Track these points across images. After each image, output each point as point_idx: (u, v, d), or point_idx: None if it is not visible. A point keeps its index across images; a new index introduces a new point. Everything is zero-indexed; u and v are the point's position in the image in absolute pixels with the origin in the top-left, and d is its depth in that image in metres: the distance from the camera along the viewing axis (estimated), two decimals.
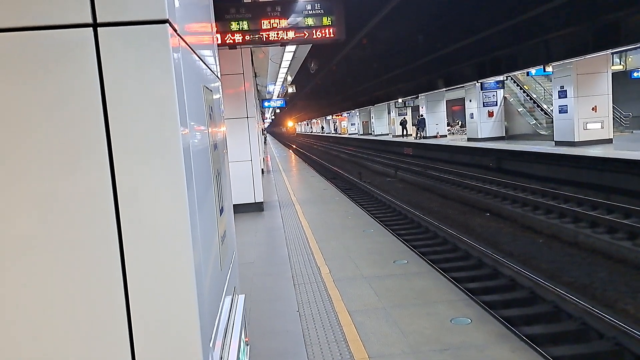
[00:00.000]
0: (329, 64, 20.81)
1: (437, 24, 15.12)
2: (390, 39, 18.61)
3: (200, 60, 1.45)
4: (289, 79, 17.87)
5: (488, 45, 14.83)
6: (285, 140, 60.81)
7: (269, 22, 5.75)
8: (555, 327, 4.64)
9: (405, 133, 28.70)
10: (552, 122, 16.49)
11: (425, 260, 5.87)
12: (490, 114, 20.55)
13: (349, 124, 47.95)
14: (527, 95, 21.38)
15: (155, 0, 0.99)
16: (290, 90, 20.37)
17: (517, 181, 12.38)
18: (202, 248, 1.15)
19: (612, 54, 15.65)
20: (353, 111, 42.49)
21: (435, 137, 25.41)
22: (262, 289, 4.70)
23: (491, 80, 19.62)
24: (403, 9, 12.53)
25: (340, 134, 51.08)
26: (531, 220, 8.95)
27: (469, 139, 21.15)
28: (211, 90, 1.59)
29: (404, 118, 29.59)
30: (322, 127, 66.03)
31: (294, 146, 43.40)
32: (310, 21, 5.82)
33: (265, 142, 31.39)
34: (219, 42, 5.67)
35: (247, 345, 1.98)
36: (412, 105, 29.16)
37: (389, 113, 33.31)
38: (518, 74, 20.05)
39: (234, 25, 5.70)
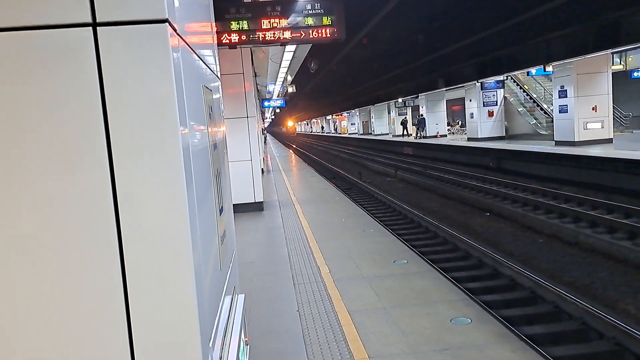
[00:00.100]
0: (329, 63, 20.80)
1: (437, 23, 15.12)
2: (391, 39, 18.60)
3: (200, 60, 1.45)
4: (289, 78, 17.86)
5: (488, 44, 14.82)
6: (285, 140, 60.80)
7: (269, 22, 5.74)
8: (556, 327, 4.64)
9: (406, 133, 28.69)
10: (552, 121, 16.49)
11: (425, 260, 5.87)
12: (491, 114, 20.55)
13: (349, 124, 47.95)
14: (527, 95, 21.37)
15: None
16: (290, 90, 20.36)
17: (517, 181, 12.38)
18: (201, 248, 1.15)
19: (612, 53, 15.64)
20: (353, 111, 42.49)
21: (436, 136, 25.41)
22: (262, 289, 4.70)
23: (491, 80, 19.62)
24: (403, 9, 12.52)
25: (340, 133, 51.07)
26: (531, 220, 8.95)
27: (469, 139, 21.14)
28: (211, 90, 1.59)
29: (405, 118, 29.58)
30: (322, 127, 66.02)
31: (294, 146, 43.40)
32: (310, 21, 5.82)
33: (265, 142, 31.39)
34: (219, 41, 5.67)
35: (247, 344, 1.98)
36: (412, 105, 29.16)
37: (389, 113, 33.31)
38: (518, 73, 20.04)
39: (234, 25, 5.70)
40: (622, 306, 5.21)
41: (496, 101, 20.51)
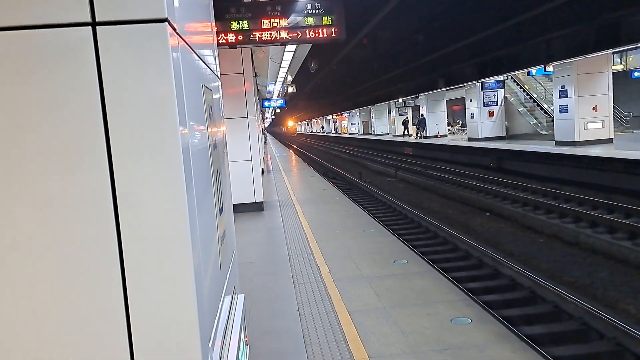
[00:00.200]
0: (329, 63, 20.79)
1: (438, 23, 15.11)
2: (391, 39, 18.60)
3: (200, 60, 1.45)
4: (289, 78, 17.86)
5: (488, 44, 14.82)
6: (285, 140, 60.80)
7: (269, 22, 5.74)
8: (556, 327, 4.64)
9: (407, 133, 28.67)
10: (553, 121, 16.48)
11: (426, 260, 5.86)
12: (491, 114, 20.54)
13: (349, 124, 47.94)
14: (528, 95, 21.36)
15: None
16: (290, 89, 20.35)
17: (517, 181, 12.37)
18: (201, 248, 1.15)
19: (613, 53, 15.63)
20: (353, 111, 42.49)
21: (436, 136, 25.40)
22: (262, 289, 4.70)
23: (492, 80, 19.61)
24: (403, 9, 12.52)
25: (340, 133, 51.07)
26: (532, 220, 8.95)
27: (470, 139, 21.14)
28: (211, 90, 1.58)
29: (407, 118, 29.56)
30: (322, 127, 66.02)
31: (295, 146, 43.40)
32: (310, 21, 5.82)
33: (265, 142, 31.39)
34: (219, 41, 5.67)
35: (247, 344, 1.98)
36: (413, 105, 29.15)
37: (389, 113, 33.30)
38: (519, 73, 20.03)
39: (234, 25, 5.70)
40: (622, 306, 5.20)
41: (496, 101, 20.51)
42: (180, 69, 1.07)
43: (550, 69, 15.30)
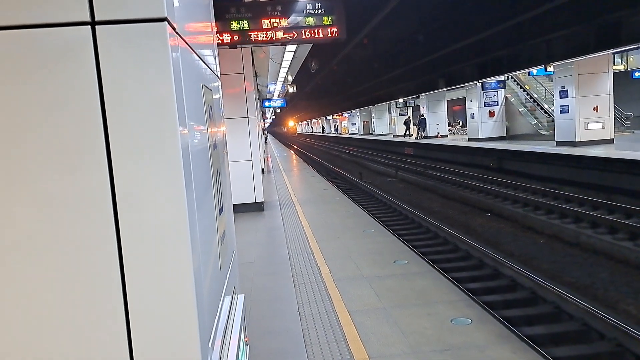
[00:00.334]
0: (330, 63, 20.79)
1: (438, 23, 15.10)
2: (391, 39, 18.60)
3: (200, 60, 1.44)
4: (290, 78, 17.86)
5: (489, 45, 14.82)
6: (286, 140, 60.79)
7: (270, 22, 5.74)
8: (557, 328, 4.63)
9: (409, 133, 28.67)
10: (553, 122, 16.47)
11: (426, 261, 5.86)
12: (491, 114, 20.54)
13: (349, 124, 47.94)
14: (529, 95, 21.36)
15: None
16: (290, 90, 20.36)
17: (518, 181, 12.37)
18: (201, 248, 1.15)
19: (614, 54, 15.62)
20: (354, 111, 42.48)
21: (436, 137, 25.39)
22: (262, 289, 4.70)
23: (492, 80, 19.61)
24: (404, 9, 12.51)
25: (340, 133, 51.07)
26: (532, 221, 8.94)
27: (470, 139, 21.13)
28: (211, 90, 1.58)
29: (408, 117, 29.55)
30: (323, 127, 66.02)
31: (295, 146, 43.40)
32: (310, 21, 5.82)
33: (265, 142, 31.40)
34: (219, 41, 5.67)
35: (247, 345, 1.97)
36: (413, 105, 29.15)
37: (389, 113, 33.31)
38: (519, 73, 20.03)
39: (234, 25, 5.70)
40: (623, 307, 5.20)
41: (497, 101, 20.50)
42: (179, 69, 1.07)
43: (550, 69, 15.29)
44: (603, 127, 14.52)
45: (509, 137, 20.31)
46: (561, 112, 15.07)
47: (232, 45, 5.86)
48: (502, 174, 14.76)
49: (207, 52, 1.65)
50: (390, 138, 30.69)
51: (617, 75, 17.00)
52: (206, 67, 1.57)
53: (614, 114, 15.49)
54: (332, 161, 25.18)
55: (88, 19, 0.97)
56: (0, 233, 0.99)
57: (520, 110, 20.44)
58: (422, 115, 26.18)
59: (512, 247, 7.65)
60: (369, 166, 21.70)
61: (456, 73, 19.44)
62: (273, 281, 4.92)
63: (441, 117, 26.20)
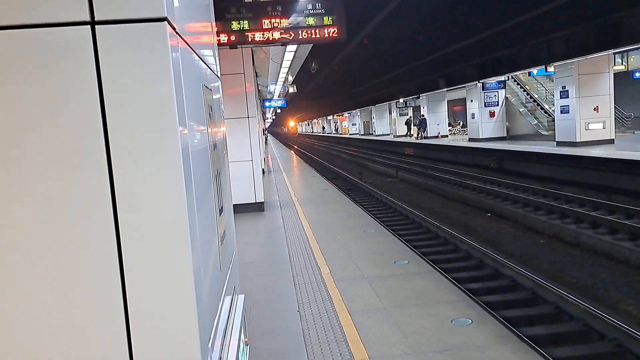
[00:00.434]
0: (330, 63, 20.80)
1: (439, 23, 15.10)
2: (392, 39, 18.60)
3: (200, 60, 1.44)
4: (290, 78, 17.87)
5: (489, 45, 14.81)
6: (286, 140, 60.79)
7: (270, 22, 5.74)
8: (557, 328, 4.63)
9: (410, 133, 28.65)
10: (554, 122, 16.47)
11: (426, 261, 5.86)
12: (492, 114, 20.53)
13: (350, 124, 47.94)
14: (529, 95, 21.36)
15: None
16: (291, 90, 20.36)
17: (518, 182, 12.36)
18: (201, 248, 1.14)
19: (614, 54, 15.62)
20: (354, 111, 42.47)
21: (437, 137, 25.39)
22: (262, 289, 4.70)
23: (493, 81, 19.60)
24: (404, 9, 12.52)
25: (341, 134, 51.07)
26: (533, 221, 8.93)
27: (470, 139, 21.13)
28: (211, 90, 1.58)
29: (410, 117, 29.53)
30: (323, 127, 66.01)
31: (295, 146, 43.40)
32: (311, 21, 5.82)
33: (266, 142, 31.40)
34: (220, 41, 5.67)
35: (247, 345, 1.97)
36: (414, 105, 29.14)
37: (390, 113, 33.32)
38: (520, 74, 20.02)
39: (235, 25, 5.70)
40: (623, 307, 5.19)
41: (497, 101, 20.50)
42: (179, 69, 1.07)
43: (551, 69, 15.29)
44: (603, 128, 14.51)
45: (510, 137, 20.31)
46: (561, 112, 15.07)
47: (233, 45, 5.86)
48: (502, 174, 14.76)
49: (207, 52, 1.65)
50: (390, 138, 30.68)
51: (617, 75, 16.99)
52: (206, 67, 1.57)
53: (615, 115, 15.48)
54: (333, 161, 25.18)
55: (88, 18, 0.97)
56: (0, 233, 0.99)
57: (520, 110, 20.43)
58: (423, 116, 26.17)
59: (512, 248, 7.64)
60: (369, 166, 21.70)
61: (456, 73, 19.44)
62: (273, 281, 4.92)
63: (441, 117, 26.19)
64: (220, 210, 1.59)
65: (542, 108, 20.70)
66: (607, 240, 7.17)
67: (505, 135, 20.49)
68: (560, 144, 14.96)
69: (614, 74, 14.89)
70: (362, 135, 40.45)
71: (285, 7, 5.82)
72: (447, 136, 26.08)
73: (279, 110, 47.39)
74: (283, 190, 11.79)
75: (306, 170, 17.54)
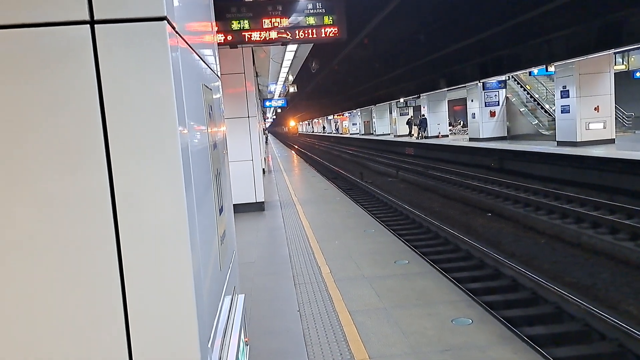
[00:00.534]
0: (331, 63, 20.80)
1: (439, 23, 15.10)
2: (392, 39, 18.60)
3: (200, 59, 1.44)
4: (291, 78, 17.86)
5: (490, 45, 14.80)
6: (287, 140, 60.79)
7: (270, 21, 5.74)
8: (558, 328, 4.62)
9: (412, 133, 28.63)
10: (555, 122, 16.45)
11: (427, 261, 5.85)
12: (492, 114, 20.52)
13: (350, 124, 47.94)
14: (530, 95, 21.34)
15: None
16: (291, 89, 20.36)
17: (519, 181, 12.35)
18: (200, 248, 1.14)
19: (615, 53, 15.60)
20: (354, 111, 42.47)
21: (437, 137, 25.38)
22: (262, 289, 4.70)
23: (493, 80, 19.59)
24: (405, 9, 12.51)
25: (341, 133, 51.07)
26: (533, 221, 8.93)
27: (471, 139, 21.12)
28: (211, 90, 1.58)
29: (411, 117, 29.51)
30: (324, 127, 66.01)
31: (296, 146, 43.40)
32: (311, 20, 5.81)
33: (266, 142, 31.40)
34: (220, 41, 5.67)
35: (247, 345, 1.97)
36: (414, 105, 29.13)
37: (390, 113, 33.31)
38: (520, 73, 20.00)
39: (235, 25, 5.70)
40: (624, 307, 5.18)
41: (498, 101, 20.48)
42: (179, 68, 1.06)
43: (551, 69, 15.28)
44: (604, 127, 14.50)
45: (510, 137, 20.30)
46: (562, 112, 15.05)
47: (233, 44, 5.86)
48: (503, 174, 14.75)
49: (207, 52, 1.65)
50: (391, 138, 30.67)
51: (618, 75, 16.97)
52: (206, 66, 1.57)
53: (615, 114, 15.46)
54: (333, 161, 25.18)
55: (87, 18, 0.97)
56: (0, 233, 0.99)
57: (521, 110, 20.42)
58: (423, 115, 26.16)
59: (513, 248, 7.64)
60: (369, 166, 21.70)
61: (457, 73, 19.43)
62: (273, 281, 4.91)
63: (442, 117, 26.18)
64: (220, 210, 1.59)
65: (542, 108, 20.69)
66: (607, 240, 7.16)
67: (506, 135, 20.48)
68: (560, 143, 14.95)
69: (614, 73, 14.88)
70: (362, 135, 40.44)
71: (286, 6, 5.81)
72: (447, 136, 26.07)
73: (279, 110, 47.38)
74: (283, 189, 11.79)
75: (306, 170, 17.53)
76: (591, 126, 14.41)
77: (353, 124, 46.29)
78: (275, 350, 3.40)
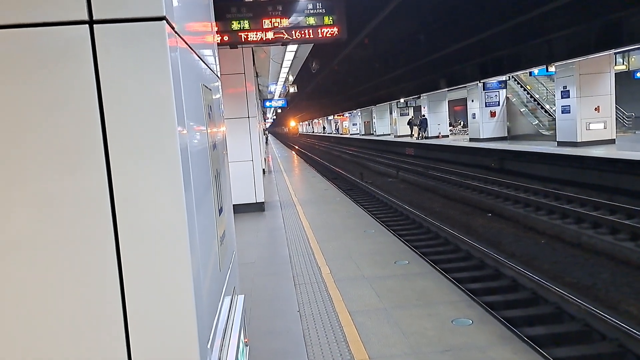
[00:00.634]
0: (331, 63, 20.80)
1: (439, 23, 15.10)
2: (392, 39, 18.60)
3: (200, 59, 1.44)
4: (291, 78, 17.85)
5: (490, 45, 14.80)
6: (287, 140, 60.78)
7: (270, 22, 5.74)
8: (558, 329, 4.62)
9: (412, 133, 28.61)
10: (555, 122, 16.45)
11: (427, 261, 5.85)
12: (493, 114, 20.52)
13: (350, 124, 47.94)
14: (530, 95, 21.33)
15: None
16: (291, 90, 20.35)
17: (519, 182, 12.35)
18: (200, 249, 1.14)
19: (615, 54, 15.60)
20: (355, 111, 42.47)
21: (437, 137, 25.38)
22: (263, 289, 4.69)
23: (493, 80, 19.59)
24: (405, 9, 12.51)
25: (341, 134, 51.07)
26: (533, 221, 8.92)
27: (471, 139, 21.11)
28: (210, 90, 1.57)
29: (412, 117, 29.51)
30: (324, 128, 66.01)
31: (297, 147, 43.40)
32: (311, 20, 5.81)
33: (266, 142, 31.40)
34: (220, 41, 5.67)
35: (247, 346, 1.97)
36: (414, 105, 29.13)
37: (390, 113, 33.31)
38: (520, 74, 19.99)
39: (235, 25, 5.70)
40: (624, 307, 5.18)
41: (498, 101, 20.48)
42: (178, 68, 1.06)
43: (552, 69, 15.27)
44: (604, 128, 14.50)
45: (510, 137, 20.29)
46: (562, 112, 15.05)
47: (233, 45, 5.86)
48: (503, 174, 14.74)
49: (207, 52, 1.65)
50: (391, 138, 30.66)
51: (618, 75, 16.97)
52: (206, 67, 1.57)
53: (616, 115, 15.46)
54: (333, 161, 25.18)
55: (86, 18, 0.96)
56: None
57: (521, 110, 20.41)
58: (424, 116, 26.16)
59: (513, 248, 7.63)
60: (370, 166, 21.69)
61: (457, 73, 19.43)
62: (274, 281, 4.91)
63: (442, 117, 26.17)
64: (220, 211, 1.59)
65: (543, 108, 20.67)
66: (608, 241, 7.16)
67: (506, 135, 20.48)
68: (561, 144, 14.95)
69: (615, 74, 14.88)
70: (362, 135, 40.43)
71: (286, 6, 5.81)
72: (447, 136, 26.07)
73: (279, 111, 47.40)
74: (283, 190, 11.79)
75: (307, 170, 17.53)
76: (591, 126, 14.40)
77: (353, 124, 46.29)
78: (275, 350, 3.40)
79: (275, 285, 4.80)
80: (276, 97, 22.76)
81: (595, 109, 14.41)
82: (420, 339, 3.39)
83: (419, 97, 25.86)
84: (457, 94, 27.18)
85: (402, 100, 27.99)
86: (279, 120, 79.82)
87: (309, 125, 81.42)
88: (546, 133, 18.63)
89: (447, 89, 22.38)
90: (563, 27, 11.82)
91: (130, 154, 1.00)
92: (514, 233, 8.52)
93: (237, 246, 2.29)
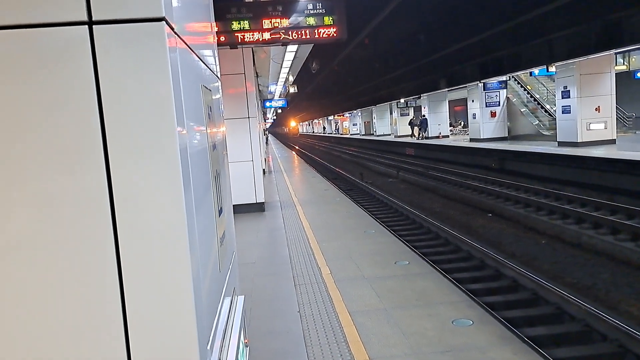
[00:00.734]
0: (331, 63, 20.80)
1: (439, 23, 15.09)
2: (392, 39, 18.60)
3: (199, 60, 1.44)
4: (291, 79, 17.85)
5: (491, 45, 14.80)
6: (287, 140, 60.78)
7: (270, 22, 5.74)
8: (558, 329, 4.62)
9: (413, 133, 28.60)
10: (555, 122, 16.44)
11: (427, 261, 5.85)
12: (493, 114, 20.51)
13: (350, 124, 47.93)
14: (530, 95, 21.33)
15: None
16: (292, 90, 20.35)
17: (519, 182, 12.34)
18: (199, 249, 1.14)
19: (616, 54, 15.59)
20: (355, 111, 42.46)
21: (438, 137, 25.37)
22: (263, 290, 4.69)
23: (494, 81, 19.57)
24: (405, 9, 12.51)
25: (342, 134, 51.07)
26: (534, 221, 8.92)
27: (472, 140, 21.11)
28: (210, 90, 1.57)
29: (413, 117, 29.49)
30: (324, 128, 66.01)
31: (297, 147, 43.40)
32: (311, 21, 5.81)
33: (266, 143, 31.40)
34: (220, 41, 5.67)
35: (247, 346, 1.96)
36: (415, 105, 29.13)
37: (390, 113, 33.29)
38: (521, 74, 19.99)
39: (235, 25, 5.70)
40: (624, 307, 5.18)
41: (499, 102, 20.48)
42: (178, 69, 1.06)
43: (552, 69, 15.25)
44: (605, 128, 14.49)
45: (511, 137, 20.29)
46: (563, 112, 15.04)
47: (233, 45, 5.85)
48: (503, 174, 14.74)
49: (206, 52, 1.65)
50: (391, 138, 30.65)
51: (619, 75, 16.96)
52: (206, 67, 1.57)
53: (616, 115, 15.45)
54: (333, 162, 25.18)
55: (85, 18, 0.96)
56: None
57: (522, 110, 20.41)
58: (424, 116, 26.15)
59: (513, 248, 7.63)
60: (370, 167, 21.69)
61: (457, 73, 19.42)
62: (274, 282, 4.91)
63: (442, 117, 26.17)
64: (220, 211, 1.59)
65: (543, 108, 20.67)
66: (608, 241, 7.15)
67: (507, 135, 20.47)
68: (561, 144, 14.94)
69: (615, 74, 14.87)
70: (363, 135, 40.44)
71: (286, 7, 5.81)
72: (448, 136, 26.06)
73: (279, 111, 47.40)
74: (284, 190, 11.79)
75: (307, 170, 17.53)
76: (592, 126, 14.40)
77: (353, 125, 46.29)
78: (276, 351, 3.40)
79: (275, 285, 4.80)
80: (276, 97, 22.77)
81: (596, 109, 14.40)
82: (420, 339, 3.39)
83: (419, 97, 25.86)
84: (458, 94, 27.16)
85: (402, 100, 27.98)
86: (279, 121, 79.79)
87: (309, 125, 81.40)
88: (547, 133, 18.63)
89: (447, 89, 22.37)
90: (563, 27, 11.81)
91: (130, 154, 0.99)
92: (515, 233, 8.52)
93: (237, 246, 2.28)
